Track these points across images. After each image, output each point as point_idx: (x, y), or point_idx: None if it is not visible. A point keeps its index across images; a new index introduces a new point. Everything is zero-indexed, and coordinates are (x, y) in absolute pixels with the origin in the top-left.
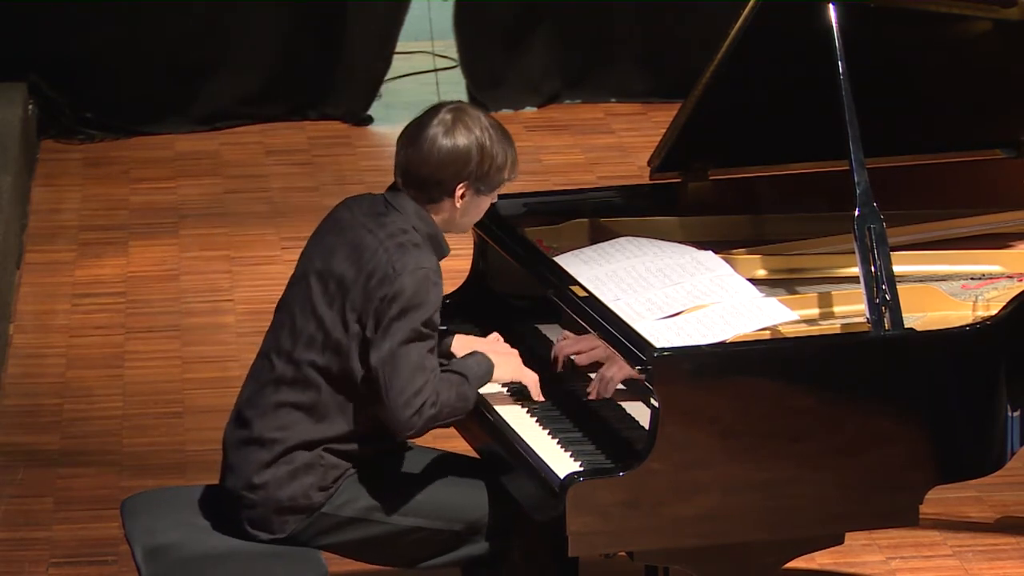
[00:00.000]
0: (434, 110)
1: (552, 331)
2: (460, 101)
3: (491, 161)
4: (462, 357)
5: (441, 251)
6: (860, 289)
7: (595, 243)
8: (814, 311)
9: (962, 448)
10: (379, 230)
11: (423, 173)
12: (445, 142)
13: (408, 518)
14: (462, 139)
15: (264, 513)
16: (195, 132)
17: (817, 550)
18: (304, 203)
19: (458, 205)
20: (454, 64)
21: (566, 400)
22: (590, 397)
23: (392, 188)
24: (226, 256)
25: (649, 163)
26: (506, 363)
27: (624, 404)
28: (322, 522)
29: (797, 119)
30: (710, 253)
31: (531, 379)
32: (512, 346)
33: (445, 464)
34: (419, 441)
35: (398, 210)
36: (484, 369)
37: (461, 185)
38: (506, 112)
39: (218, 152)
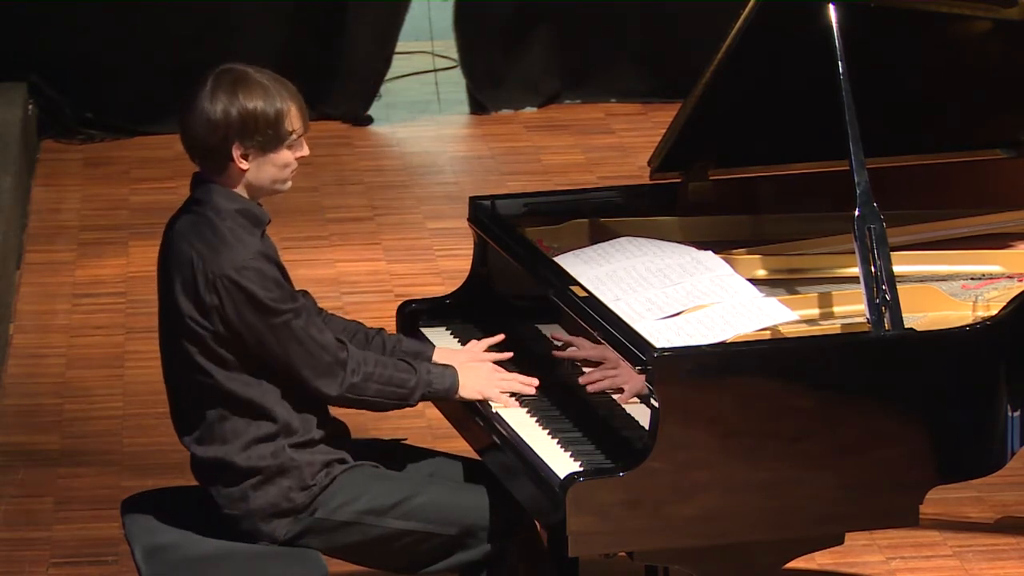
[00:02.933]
0: (202, 80)
1: (552, 331)
2: (229, 64)
3: (256, 119)
4: (433, 363)
5: (258, 221)
6: (860, 289)
7: (595, 243)
8: (814, 311)
9: (962, 448)
10: (192, 236)
11: (194, 143)
12: (205, 108)
13: (401, 522)
14: (221, 105)
15: (251, 524)
16: None
17: (817, 550)
18: (304, 203)
19: (244, 167)
20: (454, 64)
21: (566, 400)
22: (581, 381)
23: (194, 176)
24: None
25: (649, 163)
26: (475, 378)
27: (624, 404)
28: (317, 526)
29: (797, 119)
30: (710, 253)
31: (498, 394)
32: (511, 347)
33: (441, 466)
34: (417, 441)
35: (201, 199)
36: (447, 382)
37: (235, 147)
38: (506, 112)
39: None
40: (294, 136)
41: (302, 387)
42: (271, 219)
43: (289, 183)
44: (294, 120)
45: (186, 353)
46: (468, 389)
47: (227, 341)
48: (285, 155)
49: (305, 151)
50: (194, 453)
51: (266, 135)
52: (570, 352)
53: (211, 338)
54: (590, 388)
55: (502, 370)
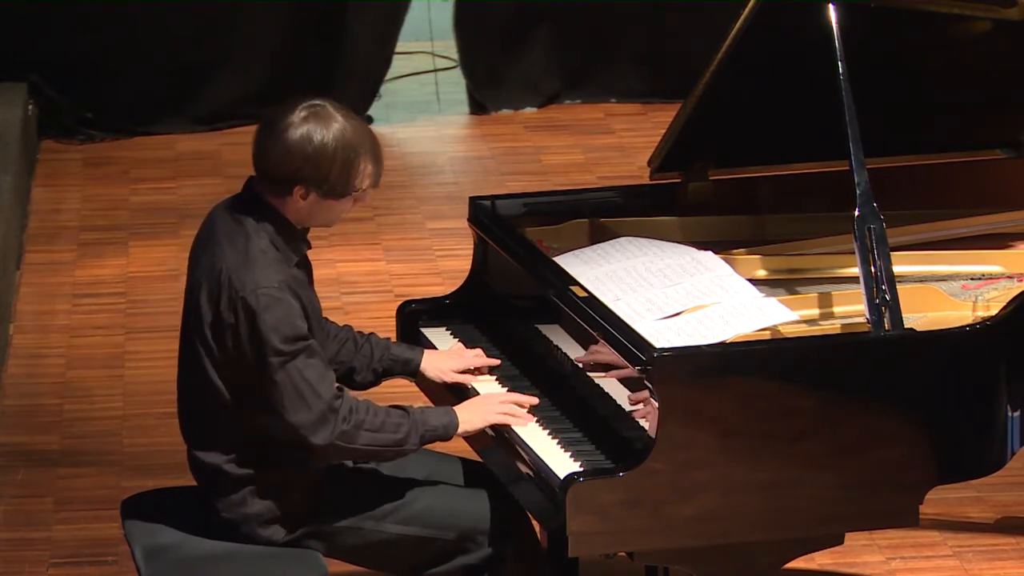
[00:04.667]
0: (293, 104)
1: (552, 331)
2: (325, 100)
3: (332, 166)
4: (431, 408)
5: (298, 248)
6: (860, 289)
7: (595, 243)
8: (814, 311)
9: (962, 448)
10: (227, 244)
11: (265, 167)
12: (287, 139)
13: (400, 527)
14: (301, 137)
15: (250, 529)
16: (195, 132)
17: (817, 550)
18: None
19: (300, 205)
20: (454, 64)
21: (566, 400)
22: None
23: (250, 180)
24: None
25: (649, 163)
26: (474, 411)
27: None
28: (316, 531)
29: (797, 119)
30: (710, 253)
31: (505, 417)
32: (511, 347)
33: (441, 468)
34: None
35: (249, 212)
36: (445, 419)
37: (299, 187)
38: (506, 112)
39: (218, 152)
40: (358, 192)
41: (287, 432)
42: (311, 245)
43: (336, 223)
44: (365, 179)
45: (198, 357)
46: (468, 423)
47: (235, 360)
48: (345, 205)
49: (365, 200)
50: (195, 455)
51: (333, 186)
52: (592, 358)
53: (220, 352)
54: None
55: (498, 392)
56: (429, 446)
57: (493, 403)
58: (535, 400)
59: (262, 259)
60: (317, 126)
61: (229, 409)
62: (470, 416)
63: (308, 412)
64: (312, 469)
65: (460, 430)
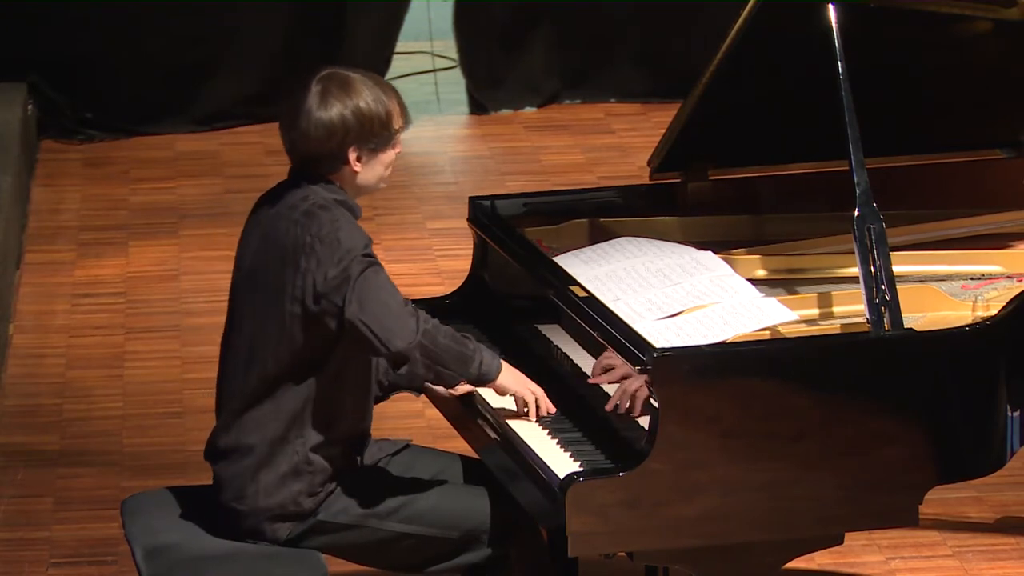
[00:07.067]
0: (304, 86)
1: (552, 331)
2: (329, 68)
3: (372, 121)
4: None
5: (353, 213)
6: (860, 289)
7: (595, 243)
8: (814, 311)
9: (962, 448)
10: (285, 209)
11: (310, 151)
12: (321, 116)
13: (402, 525)
14: (336, 109)
15: (256, 523)
16: (195, 132)
17: (817, 550)
18: None
19: (357, 169)
20: (454, 64)
21: (566, 400)
22: (607, 408)
23: (293, 169)
24: (226, 256)
25: (649, 163)
26: (517, 378)
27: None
28: (318, 528)
29: (797, 119)
30: (710, 253)
31: (533, 395)
32: (511, 347)
33: (443, 468)
34: (417, 441)
35: (299, 186)
36: (494, 363)
37: (351, 150)
38: (506, 112)
39: (218, 152)
40: (398, 134)
41: (372, 349)
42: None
43: (387, 180)
44: (398, 118)
45: (253, 338)
46: (506, 380)
47: (314, 314)
48: (391, 154)
49: (400, 147)
50: (217, 438)
51: (380, 136)
52: (605, 376)
53: (300, 310)
54: (626, 411)
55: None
56: (429, 445)
57: (529, 383)
58: (554, 409)
59: (326, 205)
60: (343, 93)
61: (265, 394)
62: (510, 376)
63: (391, 315)
64: (324, 464)
65: (499, 380)
